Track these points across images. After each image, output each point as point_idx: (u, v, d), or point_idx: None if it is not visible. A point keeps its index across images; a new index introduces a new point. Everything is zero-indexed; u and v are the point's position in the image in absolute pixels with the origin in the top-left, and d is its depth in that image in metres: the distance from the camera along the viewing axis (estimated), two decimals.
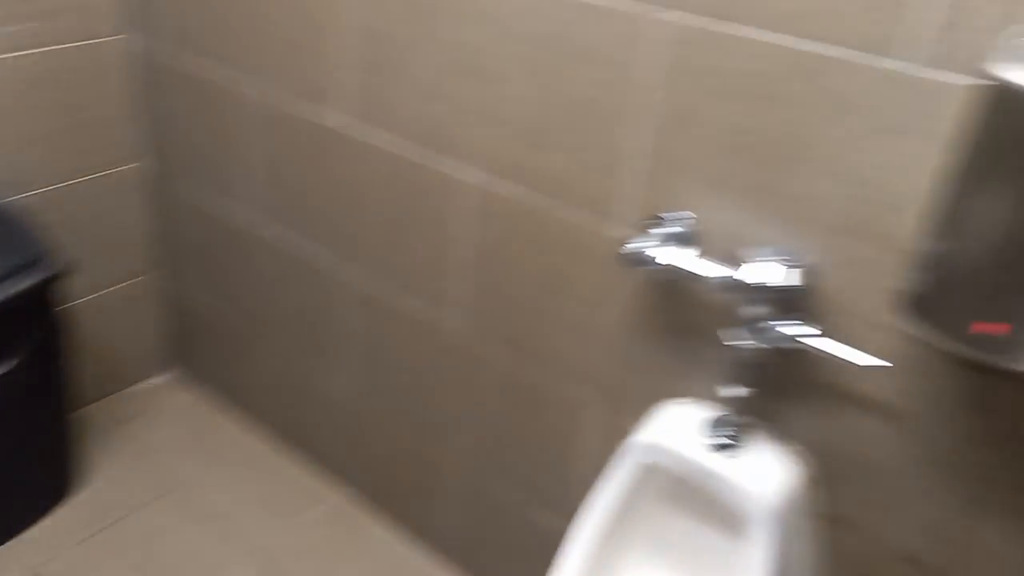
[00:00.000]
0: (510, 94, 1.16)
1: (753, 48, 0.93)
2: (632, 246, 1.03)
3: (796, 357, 0.99)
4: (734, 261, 0.97)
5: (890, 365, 0.92)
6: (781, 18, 0.90)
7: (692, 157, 1.02)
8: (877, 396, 0.99)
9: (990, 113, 0.69)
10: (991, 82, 0.68)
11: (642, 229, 1.07)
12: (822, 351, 0.96)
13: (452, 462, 1.51)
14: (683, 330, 1.13)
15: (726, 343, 1.01)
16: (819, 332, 0.95)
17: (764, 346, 0.98)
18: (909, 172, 0.87)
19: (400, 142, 1.32)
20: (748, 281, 0.94)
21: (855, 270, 0.95)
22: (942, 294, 0.77)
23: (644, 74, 1.02)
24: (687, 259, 1.01)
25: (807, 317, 0.99)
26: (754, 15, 0.92)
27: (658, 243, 1.03)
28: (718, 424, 1.06)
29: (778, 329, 0.96)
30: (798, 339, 0.95)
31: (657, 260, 1.02)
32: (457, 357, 1.41)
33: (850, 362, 0.95)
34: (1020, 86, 0.66)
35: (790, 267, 0.93)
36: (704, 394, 1.13)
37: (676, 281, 1.08)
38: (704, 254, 1.04)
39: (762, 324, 0.96)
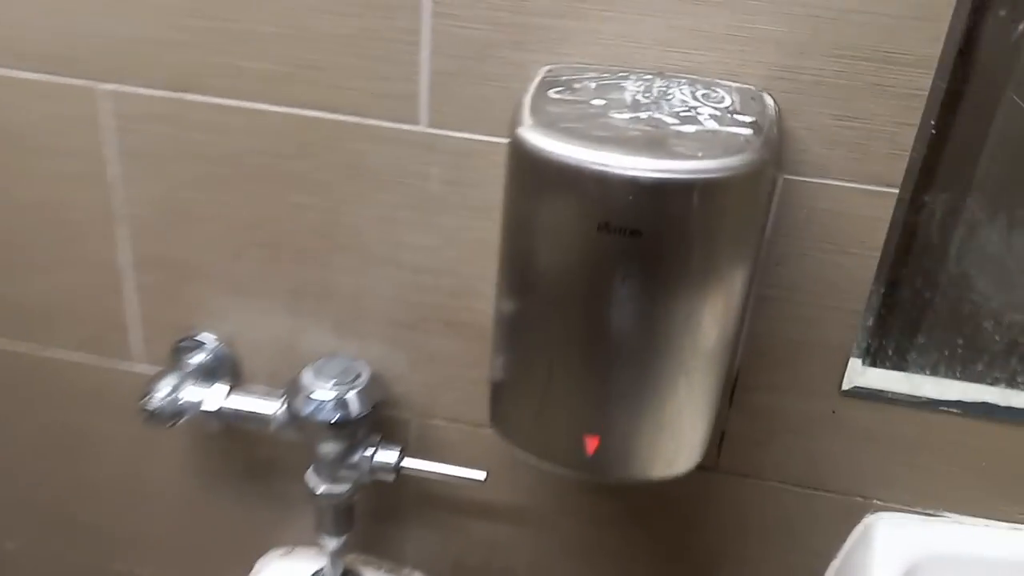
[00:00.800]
0: None
1: (251, 121, 0.70)
2: (157, 399, 0.76)
3: (396, 480, 0.80)
4: (292, 387, 0.74)
5: (482, 478, 0.76)
6: (272, 85, 0.69)
7: (207, 262, 0.77)
8: (496, 500, 0.84)
9: (518, 174, 0.54)
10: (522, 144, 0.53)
11: (169, 362, 0.81)
12: (413, 471, 0.77)
13: None
14: (259, 474, 0.88)
15: (310, 485, 0.78)
16: (400, 450, 0.76)
17: (351, 481, 0.77)
18: (466, 248, 0.71)
19: None
20: (303, 414, 0.72)
21: (437, 369, 0.78)
22: (512, 396, 0.61)
23: (117, 164, 0.75)
24: (220, 396, 0.77)
25: (390, 433, 0.81)
26: (241, 82, 0.69)
27: (191, 380, 0.78)
28: None
29: (357, 460, 0.75)
30: (383, 466, 0.76)
31: (190, 405, 0.77)
32: None
33: (445, 477, 0.78)
34: (544, 151, 0.51)
35: (350, 386, 0.73)
36: (307, 539, 0.90)
37: (229, 421, 0.83)
38: (247, 383, 0.81)
39: (337, 457, 0.75)
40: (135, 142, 0.73)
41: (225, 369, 0.81)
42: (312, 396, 0.72)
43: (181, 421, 0.77)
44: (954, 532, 0.73)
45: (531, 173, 0.52)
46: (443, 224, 0.71)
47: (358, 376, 0.74)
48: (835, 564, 0.78)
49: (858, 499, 0.75)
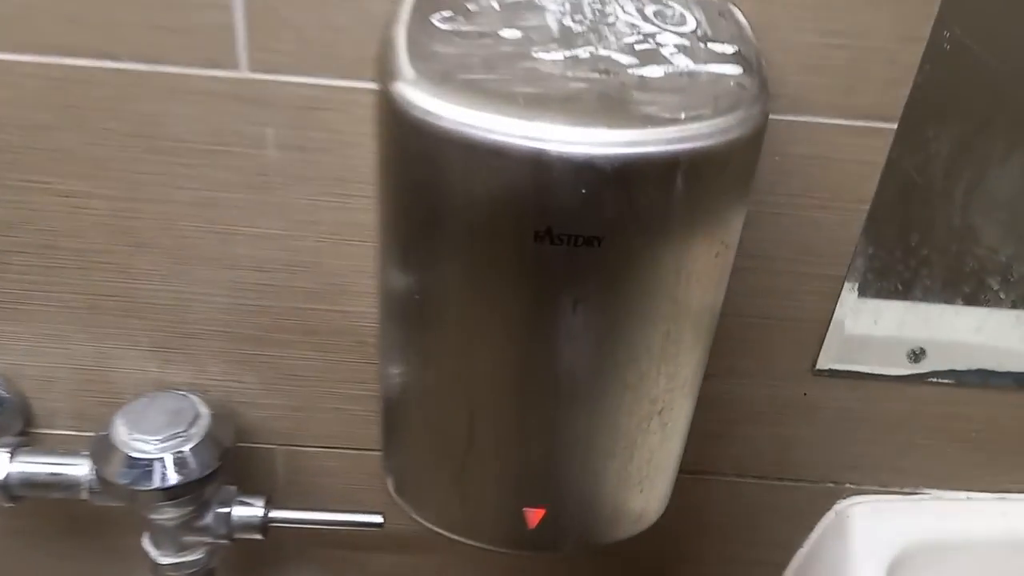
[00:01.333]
0: None
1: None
2: None
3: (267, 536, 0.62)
4: (100, 447, 0.54)
5: (379, 521, 0.60)
6: (9, 27, 0.45)
7: None
8: (396, 528, 0.67)
9: (402, 156, 0.35)
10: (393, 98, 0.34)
11: None
12: (287, 523, 0.60)
13: None
14: (89, 528, 0.68)
15: (150, 555, 0.59)
16: (265, 501, 0.58)
17: (204, 547, 0.59)
18: (325, 234, 0.52)
19: None
20: (120, 483, 0.52)
21: (303, 388, 0.59)
22: (416, 456, 0.44)
23: None
24: (3, 460, 0.56)
25: (251, 472, 0.63)
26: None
27: None
28: None
29: (208, 522, 0.57)
30: (246, 523, 0.58)
31: None
32: None
33: (330, 526, 0.61)
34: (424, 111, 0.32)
35: (185, 436, 0.53)
36: None
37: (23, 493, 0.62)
38: (47, 423, 0.60)
39: (180, 524, 0.56)
40: None
41: (9, 414, 0.59)
42: (133, 459, 0.52)
43: None
44: (938, 511, 0.63)
45: (423, 157, 0.33)
46: (289, 204, 0.51)
47: (195, 418, 0.54)
48: (802, 552, 0.67)
49: (829, 485, 0.63)
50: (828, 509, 0.64)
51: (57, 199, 0.51)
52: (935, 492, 0.63)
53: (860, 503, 0.63)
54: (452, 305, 0.36)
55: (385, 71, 0.34)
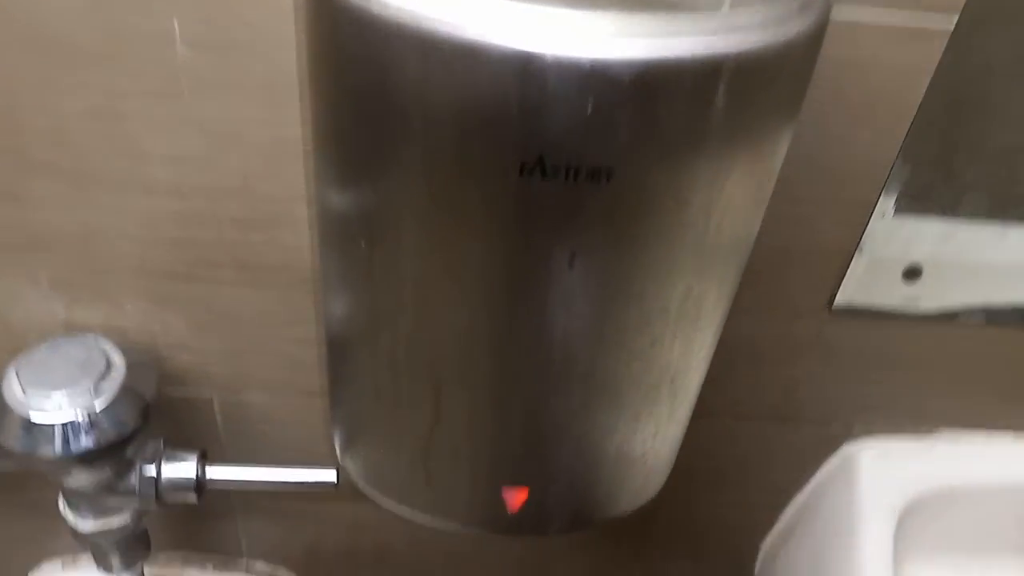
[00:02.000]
0: None
1: None
2: None
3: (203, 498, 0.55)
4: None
5: (332, 479, 0.52)
6: None
7: None
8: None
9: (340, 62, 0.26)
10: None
11: None
12: (226, 483, 0.52)
13: None
14: (10, 480, 0.61)
15: (68, 521, 0.52)
16: (199, 456, 0.50)
17: (131, 510, 0.51)
18: (253, 152, 0.43)
19: None
20: (18, 450, 0.44)
21: (238, 330, 0.51)
22: (371, 428, 0.36)
23: None
24: None
25: (184, 423, 0.55)
26: None
27: None
28: None
29: (133, 483, 0.49)
30: (178, 484, 0.50)
31: None
32: None
33: (278, 487, 0.53)
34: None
35: (95, 391, 0.45)
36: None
37: None
38: None
39: (99, 488, 0.48)
40: None
41: None
42: (31, 422, 0.43)
43: None
44: (954, 453, 0.57)
45: (364, 61, 0.24)
46: (208, 115, 0.41)
47: (107, 370, 0.45)
48: (800, 498, 0.61)
49: (836, 427, 0.57)
50: (833, 452, 0.58)
51: None
52: (952, 433, 0.57)
53: (870, 446, 0.57)
54: (408, 257, 0.28)
55: None
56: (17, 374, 0.44)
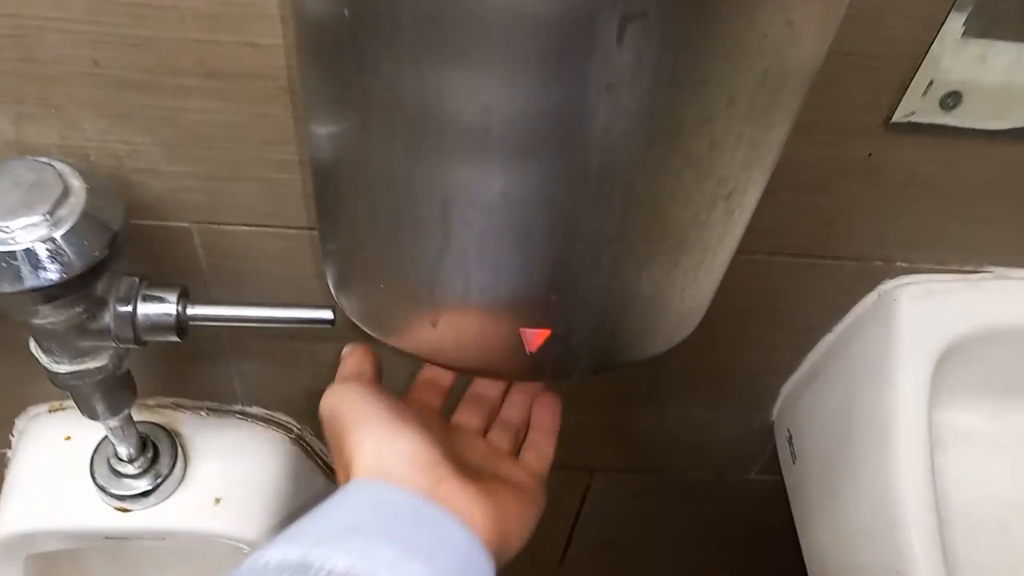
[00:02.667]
0: None
1: None
2: None
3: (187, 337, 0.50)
4: None
5: (329, 317, 0.47)
6: None
7: None
8: None
9: None
10: None
11: None
12: (211, 321, 0.47)
13: None
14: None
15: (41, 362, 0.47)
16: (179, 293, 0.45)
17: (108, 352, 0.47)
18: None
19: None
20: None
21: (213, 150, 0.45)
22: (368, 258, 0.31)
23: None
24: None
25: (163, 255, 0.50)
26: None
27: None
28: (111, 460, 0.58)
29: (106, 322, 0.44)
30: (158, 323, 0.45)
31: None
32: None
33: (271, 324, 0.48)
34: None
35: (52, 218, 0.39)
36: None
37: None
38: None
39: (70, 328, 0.44)
40: None
41: None
42: None
43: None
44: (1002, 290, 0.52)
45: None
46: None
47: (63, 194, 0.40)
48: (828, 339, 0.57)
49: (877, 263, 0.52)
50: (871, 291, 0.54)
51: None
52: (1001, 271, 0.52)
53: (910, 283, 0.52)
54: (405, 25, 0.21)
55: None
56: None
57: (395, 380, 0.43)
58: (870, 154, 0.45)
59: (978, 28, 0.39)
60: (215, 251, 0.51)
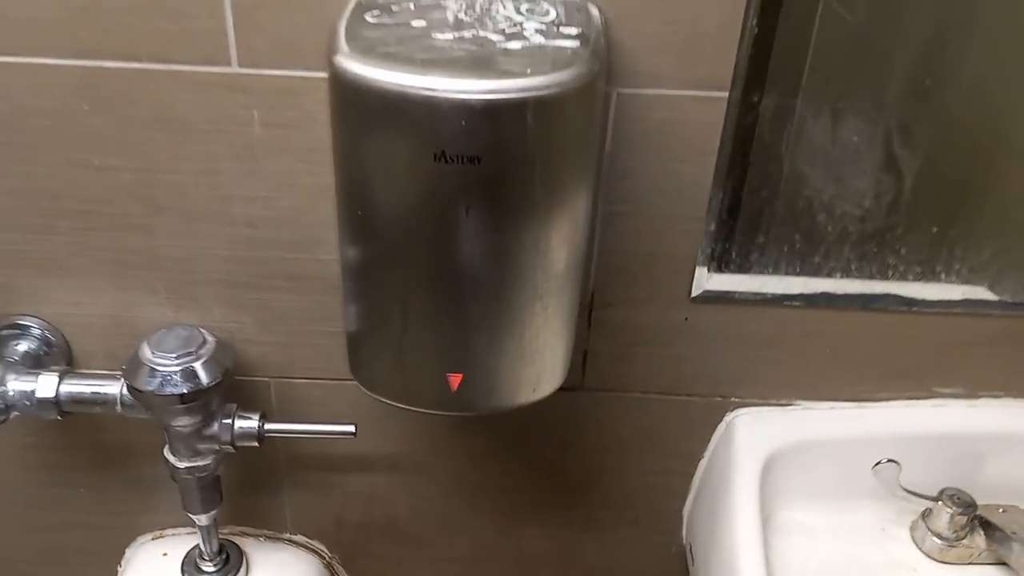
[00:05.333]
0: None
1: (33, 79, 0.62)
2: None
3: (268, 444, 0.76)
4: (131, 364, 0.68)
5: (352, 430, 0.74)
6: (50, 35, 0.61)
7: (12, 241, 0.70)
8: (368, 451, 0.82)
9: (342, 108, 0.51)
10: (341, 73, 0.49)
11: None
12: (279, 433, 0.74)
13: None
14: (111, 461, 0.83)
15: (170, 462, 0.73)
16: (260, 415, 0.72)
17: (212, 454, 0.73)
18: (302, 196, 0.67)
19: None
20: (147, 390, 0.67)
21: (289, 327, 0.74)
22: (369, 343, 0.59)
23: None
24: (53, 382, 0.70)
25: (249, 398, 0.77)
26: (12, 35, 0.61)
27: (17, 371, 0.70)
28: (198, 559, 0.81)
29: (215, 431, 0.71)
30: (245, 433, 0.72)
31: (21, 395, 0.70)
32: None
33: (313, 435, 0.75)
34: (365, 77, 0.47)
35: (196, 355, 0.68)
36: (176, 521, 0.87)
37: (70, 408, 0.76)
38: (81, 367, 0.75)
39: (193, 431, 0.71)
40: None
41: (55, 355, 0.74)
42: (156, 371, 0.66)
43: (12, 416, 0.70)
44: (806, 418, 0.77)
45: (355, 104, 0.49)
46: (273, 171, 0.66)
47: (203, 343, 0.69)
48: (703, 463, 0.81)
49: (718, 399, 0.77)
50: (720, 421, 0.78)
51: (92, 172, 0.67)
52: (804, 403, 0.77)
53: (743, 414, 0.77)
54: (382, 212, 0.51)
55: (329, 49, 0.50)
56: (147, 343, 0.68)
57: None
58: (686, 318, 0.72)
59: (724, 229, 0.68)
60: (282, 397, 0.78)
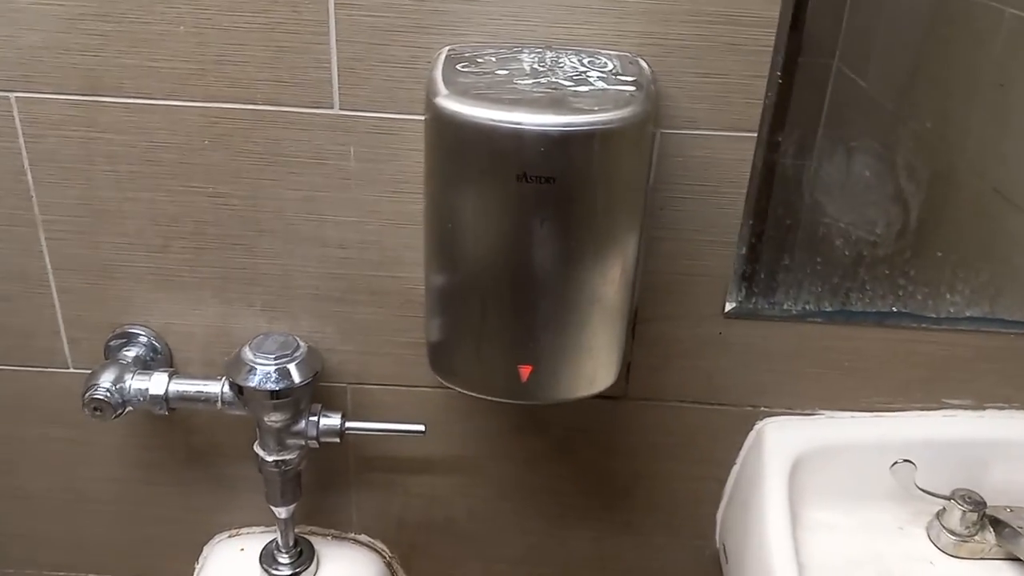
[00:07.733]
0: None
1: (165, 118, 0.74)
2: (103, 389, 0.79)
3: (338, 447, 0.85)
4: (233, 364, 0.78)
5: (422, 429, 0.83)
6: (185, 82, 0.73)
7: (133, 259, 0.80)
8: (431, 454, 0.91)
9: (440, 139, 0.62)
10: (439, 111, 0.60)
11: (104, 359, 0.84)
12: (358, 431, 0.83)
13: None
14: (199, 460, 0.92)
15: (260, 455, 0.83)
16: (341, 414, 0.82)
17: (298, 448, 0.82)
18: (386, 220, 0.78)
19: None
20: (247, 386, 0.76)
21: (367, 337, 0.84)
22: (452, 341, 0.68)
23: (33, 171, 0.77)
24: (164, 381, 0.80)
25: (329, 401, 0.87)
26: (153, 81, 0.73)
27: (129, 373, 0.80)
28: (275, 551, 0.89)
29: (302, 427, 0.81)
30: (329, 430, 0.81)
31: (136, 392, 0.80)
32: None
33: (388, 433, 0.84)
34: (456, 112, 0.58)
35: (291, 358, 0.78)
36: (251, 520, 0.95)
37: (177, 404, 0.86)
38: (183, 369, 0.85)
39: (283, 426, 0.80)
40: (49, 147, 0.76)
41: (159, 361, 0.84)
42: (255, 369, 0.76)
43: (126, 411, 0.80)
44: (829, 426, 0.85)
45: (452, 137, 0.59)
46: (363, 199, 0.77)
47: (296, 348, 0.79)
48: (735, 470, 0.89)
49: (748, 409, 0.86)
50: (751, 429, 0.87)
51: (207, 199, 0.78)
52: (827, 413, 0.86)
53: (772, 422, 0.86)
54: (470, 225, 0.62)
55: (430, 92, 0.61)
56: (248, 346, 0.78)
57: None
58: (720, 332, 0.82)
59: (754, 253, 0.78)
60: (358, 402, 0.87)
